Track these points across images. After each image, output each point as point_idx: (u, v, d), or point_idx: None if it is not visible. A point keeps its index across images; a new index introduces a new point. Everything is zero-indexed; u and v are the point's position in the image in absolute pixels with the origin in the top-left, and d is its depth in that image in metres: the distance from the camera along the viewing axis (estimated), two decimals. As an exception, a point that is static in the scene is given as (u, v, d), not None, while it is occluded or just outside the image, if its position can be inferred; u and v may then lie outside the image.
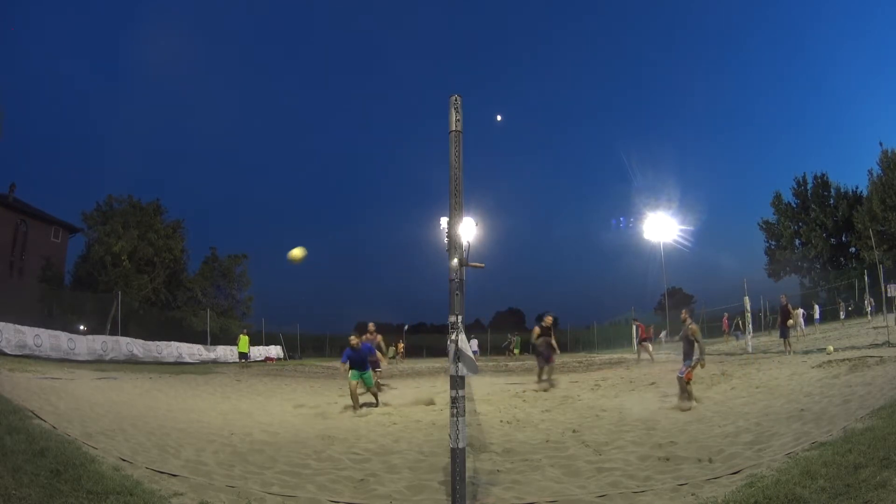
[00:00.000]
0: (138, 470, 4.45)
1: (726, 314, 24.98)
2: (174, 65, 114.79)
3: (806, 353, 13.03)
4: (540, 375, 12.04)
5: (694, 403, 7.80)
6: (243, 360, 22.22)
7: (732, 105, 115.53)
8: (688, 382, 7.97)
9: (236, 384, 13.18)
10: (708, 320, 30.27)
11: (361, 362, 9.45)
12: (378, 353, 11.68)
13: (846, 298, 26.40)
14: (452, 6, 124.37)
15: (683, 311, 9.26)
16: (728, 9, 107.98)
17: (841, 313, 24.10)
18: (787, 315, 14.00)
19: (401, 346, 32.78)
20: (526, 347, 35.16)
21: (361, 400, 9.40)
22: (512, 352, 31.25)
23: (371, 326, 11.78)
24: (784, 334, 13.81)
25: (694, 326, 8.36)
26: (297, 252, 5.65)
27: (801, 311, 19.98)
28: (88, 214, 30.38)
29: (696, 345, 8.14)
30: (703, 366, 8.20)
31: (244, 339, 22.60)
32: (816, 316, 22.45)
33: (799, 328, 18.72)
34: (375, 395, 9.86)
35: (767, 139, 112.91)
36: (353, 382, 9.19)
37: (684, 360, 8.26)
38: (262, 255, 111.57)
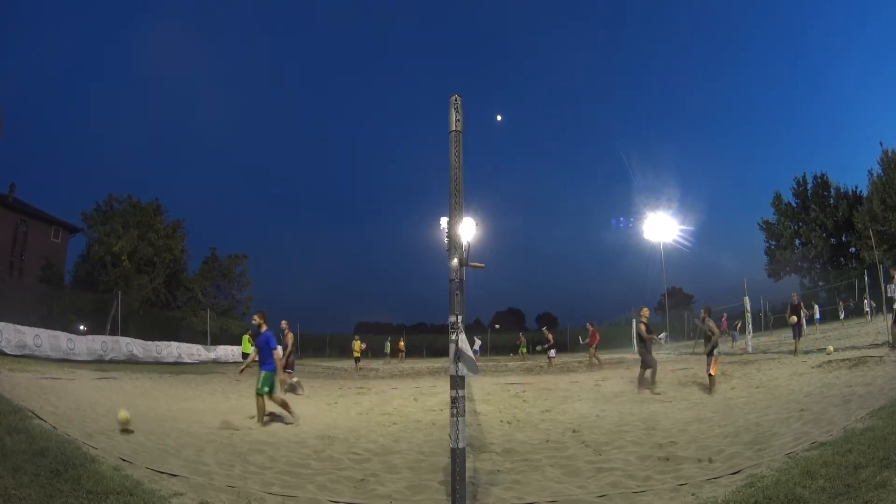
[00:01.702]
0: (138, 470, 4.45)
1: (725, 314, 24.96)
2: (174, 65, 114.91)
3: (806, 353, 13.02)
4: (649, 379, 10.18)
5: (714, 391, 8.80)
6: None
7: (732, 105, 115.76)
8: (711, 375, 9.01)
9: (236, 384, 13.17)
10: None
11: (264, 357, 7.34)
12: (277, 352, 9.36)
13: (846, 298, 26.39)
14: (453, 6, 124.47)
15: (703, 308, 10.19)
16: (728, 9, 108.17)
17: (840, 314, 24.04)
18: (797, 313, 13.50)
19: (401, 345, 32.74)
20: (531, 349, 34.83)
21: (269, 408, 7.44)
22: (518, 352, 30.50)
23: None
24: (798, 333, 13.34)
25: (710, 323, 9.41)
26: (123, 417, 6.05)
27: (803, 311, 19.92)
28: (88, 214, 30.42)
29: (711, 339, 9.11)
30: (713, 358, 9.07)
31: (246, 340, 22.58)
32: (816, 316, 22.43)
33: (801, 328, 18.59)
34: (260, 409, 7.26)
35: (767, 139, 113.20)
36: (259, 394, 7.27)
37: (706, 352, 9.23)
38: (262, 255, 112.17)
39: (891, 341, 11.19)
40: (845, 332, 18.81)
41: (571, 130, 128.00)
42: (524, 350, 29.48)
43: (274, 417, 7.55)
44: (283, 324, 11.76)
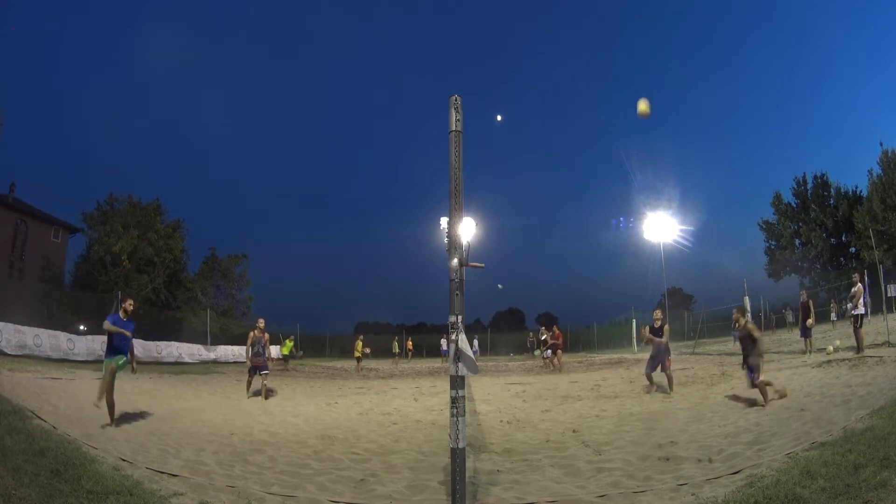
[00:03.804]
0: (138, 470, 4.46)
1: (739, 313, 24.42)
2: (175, 65, 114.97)
3: (807, 352, 13.00)
4: (650, 382, 9.89)
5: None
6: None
7: (733, 105, 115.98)
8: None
9: (236, 384, 13.17)
10: (707, 320, 30.27)
11: (125, 341, 6.86)
12: (264, 351, 10.86)
13: (841, 300, 26.34)
14: (453, 6, 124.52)
15: (735, 310, 8.97)
16: (729, 9, 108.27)
17: (833, 315, 23.84)
18: (807, 312, 13.02)
19: (409, 344, 32.64)
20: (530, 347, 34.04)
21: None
22: (540, 347, 28.32)
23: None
24: (805, 333, 13.04)
25: (752, 324, 7.97)
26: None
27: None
28: (88, 214, 30.42)
29: (757, 343, 7.64)
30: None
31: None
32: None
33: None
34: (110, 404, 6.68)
35: (767, 139, 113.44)
36: (112, 365, 6.63)
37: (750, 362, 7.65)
38: (262, 255, 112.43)
39: (856, 345, 11.22)
40: (845, 332, 18.80)
41: (571, 130, 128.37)
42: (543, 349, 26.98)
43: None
44: (260, 322, 11.15)
